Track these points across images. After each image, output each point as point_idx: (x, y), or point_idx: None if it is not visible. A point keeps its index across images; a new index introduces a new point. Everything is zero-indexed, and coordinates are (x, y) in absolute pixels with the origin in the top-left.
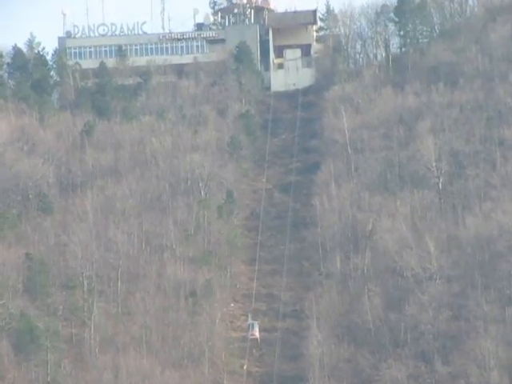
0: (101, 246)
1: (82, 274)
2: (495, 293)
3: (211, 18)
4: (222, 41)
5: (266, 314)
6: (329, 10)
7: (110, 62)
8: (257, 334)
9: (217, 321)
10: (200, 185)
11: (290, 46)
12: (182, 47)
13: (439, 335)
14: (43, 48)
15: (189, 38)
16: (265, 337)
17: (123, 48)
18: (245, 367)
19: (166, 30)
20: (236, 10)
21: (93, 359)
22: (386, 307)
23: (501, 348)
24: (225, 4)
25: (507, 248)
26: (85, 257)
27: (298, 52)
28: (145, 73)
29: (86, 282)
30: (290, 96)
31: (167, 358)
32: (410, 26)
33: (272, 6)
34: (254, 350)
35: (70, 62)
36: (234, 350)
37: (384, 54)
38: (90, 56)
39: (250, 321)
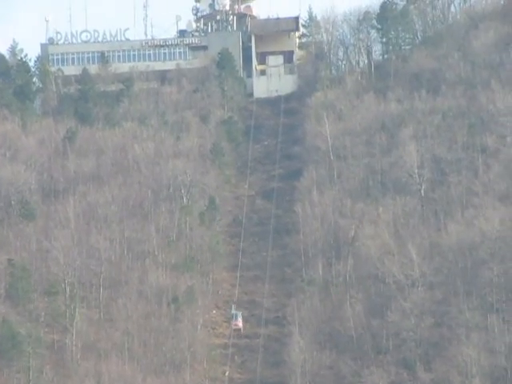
0: (83, 253)
1: (64, 280)
2: (477, 300)
3: (194, 25)
4: (205, 47)
5: (248, 321)
6: (311, 17)
7: (93, 69)
8: (240, 324)
9: (199, 327)
10: (182, 191)
11: (272, 53)
12: (164, 54)
13: (421, 342)
14: (26, 54)
15: (171, 45)
16: (247, 343)
17: (106, 54)
18: (227, 374)
19: (149, 37)
20: (218, 17)
21: (75, 365)
22: (368, 314)
23: (483, 355)
24: (207, 11)
25: (489, 255)
26: (67, 263)
27: (280, 59)
28: (127, 79)
29: (68, 288)
30: (272, 102)
31: (149, 365)
32: (393, 32)
33: (254, 13)
34: (236, 357)
35: (53, 69)
36: (216, 356)
37: (366, 61)
38: (73, 62)
39: (233, 311)
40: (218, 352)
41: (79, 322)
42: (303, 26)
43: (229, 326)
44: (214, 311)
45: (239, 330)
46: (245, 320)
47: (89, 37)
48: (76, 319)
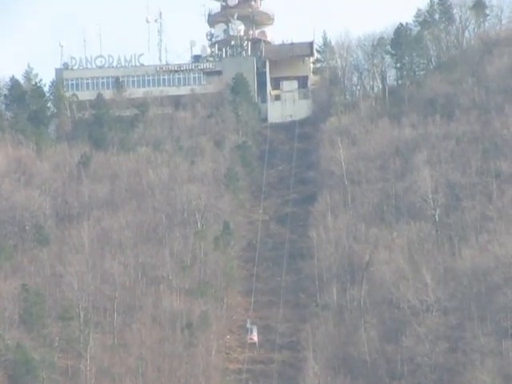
0: (97, 278)
1: (78, 305)
2: (492, 325)
3: (208, 50)
4: (219, 72)
5: (262, 346)
6: (325, 42)
7: (107, 94)
8: (255, 338)
9: (213, 352)
10: (196, 216)
11: (286, 78)
12: (178, 79)
13: (436, 367)
14: (40, 80)
15: (186, 70)
16: (261, 368)
17: (120, 79)
18: None
19: (163, 62)
20: (233, 42)
21: None
22: (382, 339)
23: (497, 381)
24: (222, 36)
25: (504, 280)
26: (81, 288)
27: (294, 84)
28: (142, 104)
29: (82, 314)
30: (286, 127)
31: None
32: (407, 58)
33: (269, 38)
34: (251, 382)
35: (67, 94)
36: (231, 381)
37: (381, 86)
38: (88, 87)
39: (248, 325)
40: (233, 377)
41: (93, 348)
42: (317, 51)
43: (243, 351)
44: (228, 336)
45: (254, 343)
46: (259, 345)
47: (103, 62)
48: (90, 344)
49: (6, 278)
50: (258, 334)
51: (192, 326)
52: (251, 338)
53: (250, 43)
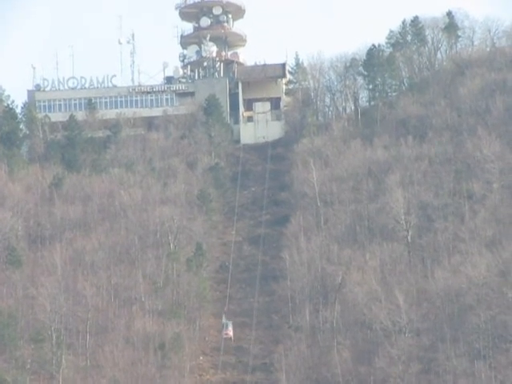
0: (69, 299)
1: (51, 326)
2: (465, 346)
3: (181, 71)
4: (192, 94)
5: (235, 367)
6: (298, 64)
7: (80, 115)
8: (230, 333)
9: (186, 374)
10: (169, 237)
11: (259, 99)
12: (151, 100)
13: None
14: (13, 101)
15: (158, 91)
16: None
17: (93, 101)
18: None
19: (136, 83)
20: (205, 64)
21: None
22: (355, 360)
23: None
24: (194, 57)
25: (476, 301)
26: (53, 310)
27: (267, 105)
28: (114, 125)
29: (54, 335)
30: (259, 149)
31: None
32: (379, 79)
33: (241, 60)
34: None
35: (40, 115)
36: None
37: (353, 107)
38: (60, 109)
39: (224, 320)
40: None
41: (66, 369)
42: (290, 72)
43: (216, 372)
44: (201, 357)
45: (230, 338)
46: (232, 367)
47: (76, 83)
48: (62, 366)
49: None
50: (232, 356)
51: (165, 348)
52: (226, 334)
53: (222, 64)
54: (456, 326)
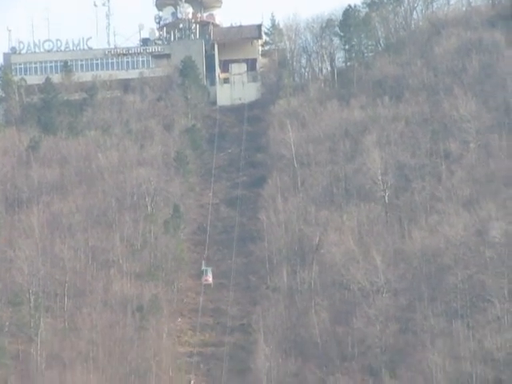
0: (47, 262)
1: (29, 289)
2: (442, 306)
3: (157, 33)
4: (168, 56)
5: (213, 329)
6: (274, 25)
7: (56, 78)
8: (210, 279)
9: (164, 336)
10: (146, 200)
11: (235, 61)
12: (127, 62)
13: (386, 349)
14: None
15: (134, 53)
16: (212, 351)
17: (69, 63)
18: (192, 382)
19: (112, 46)
20: (181, 25)
21: (39, 375)
22: (333, 321)
23: (448, 361)
24: (170, 19)
25: (453, 261)
26: (31, 273)
27: (243, 66)
28: (90, 88)
29: (32, 298)
30: (236, 110)
31: (114, 374)
32: (355, 40)
33: (217, 21)
34: (202, 365)
35: (16, 78)
36: (182, 364)
37: (329, 68)
38: (36, 72)
39: (203, 267)
40: (184, 360)
41: (44, 332)
42: (266, 33)
43: (194, 334)
44: (180, 319)
45: (209, 285)
46: (210, 328)
47: (51, 46)
48: (41, 329)
49: None
50: (210, 317)
51: (143, 310)
52: (206, 280)
53: (198, 26)
54: (433, 285)
